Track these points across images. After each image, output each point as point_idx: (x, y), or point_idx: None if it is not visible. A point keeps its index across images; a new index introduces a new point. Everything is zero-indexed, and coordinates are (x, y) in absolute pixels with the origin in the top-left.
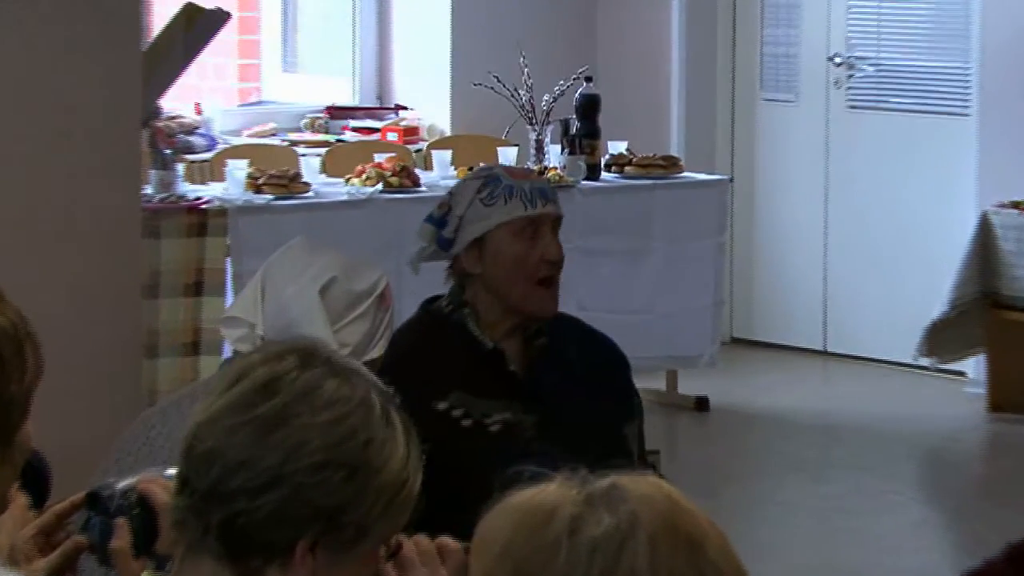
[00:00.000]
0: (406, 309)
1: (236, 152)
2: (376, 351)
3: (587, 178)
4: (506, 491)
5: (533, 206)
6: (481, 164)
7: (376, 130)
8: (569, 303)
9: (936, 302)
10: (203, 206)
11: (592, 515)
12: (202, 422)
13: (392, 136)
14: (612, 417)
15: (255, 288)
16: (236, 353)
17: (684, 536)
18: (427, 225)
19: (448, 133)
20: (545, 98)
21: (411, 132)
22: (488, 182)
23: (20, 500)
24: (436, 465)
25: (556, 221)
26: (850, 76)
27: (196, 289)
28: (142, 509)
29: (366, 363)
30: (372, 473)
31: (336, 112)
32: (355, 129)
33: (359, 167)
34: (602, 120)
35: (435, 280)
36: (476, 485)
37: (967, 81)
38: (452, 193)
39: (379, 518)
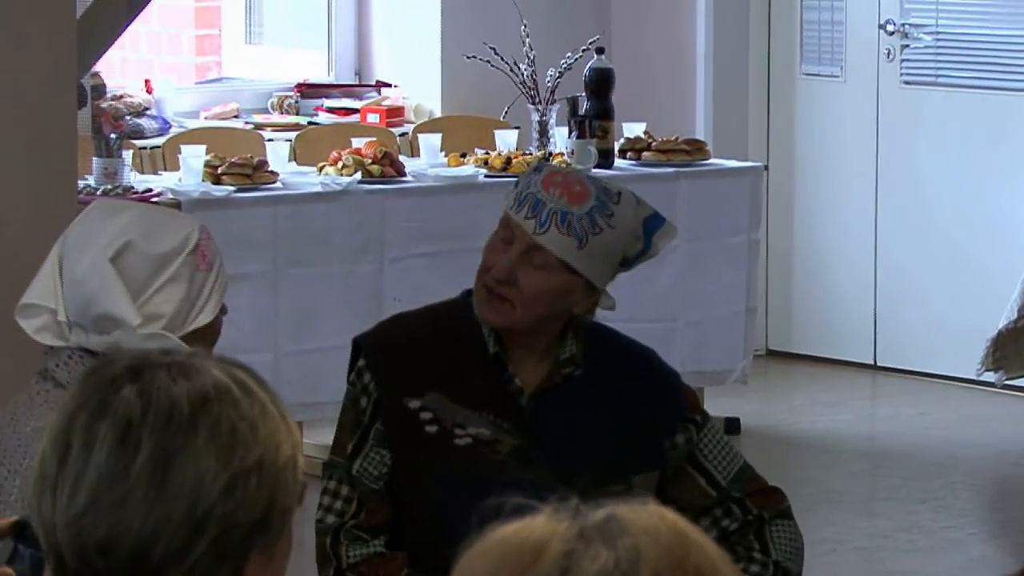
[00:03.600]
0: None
1: (192, 137)
2: (204, 317)
3: (598, 165)
4: (486, 525)
5: (515, 208)
6: (476, 150)
7: (354, 111)
8: None
9: (1003, 308)
10: (154, 199)
11: (586, 550)
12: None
13: (373, 118)
14: (621, 467)
15: (52, 267)
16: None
17: (693, 573)
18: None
19: (437, 114)
20: (550, 73)
21: (395, 113)
22: (534, 169)
23: None
24: (397, 469)
25: (529, 248)
26: (905, 47)
27: None
28: None
29: (195, 332)
30: (274, 454)
31: (308, 90)
32: (330, 110)
33: (334, 154)
34: (616, 98)
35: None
36: (431, 501)
37: None
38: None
39: (293, 488)
